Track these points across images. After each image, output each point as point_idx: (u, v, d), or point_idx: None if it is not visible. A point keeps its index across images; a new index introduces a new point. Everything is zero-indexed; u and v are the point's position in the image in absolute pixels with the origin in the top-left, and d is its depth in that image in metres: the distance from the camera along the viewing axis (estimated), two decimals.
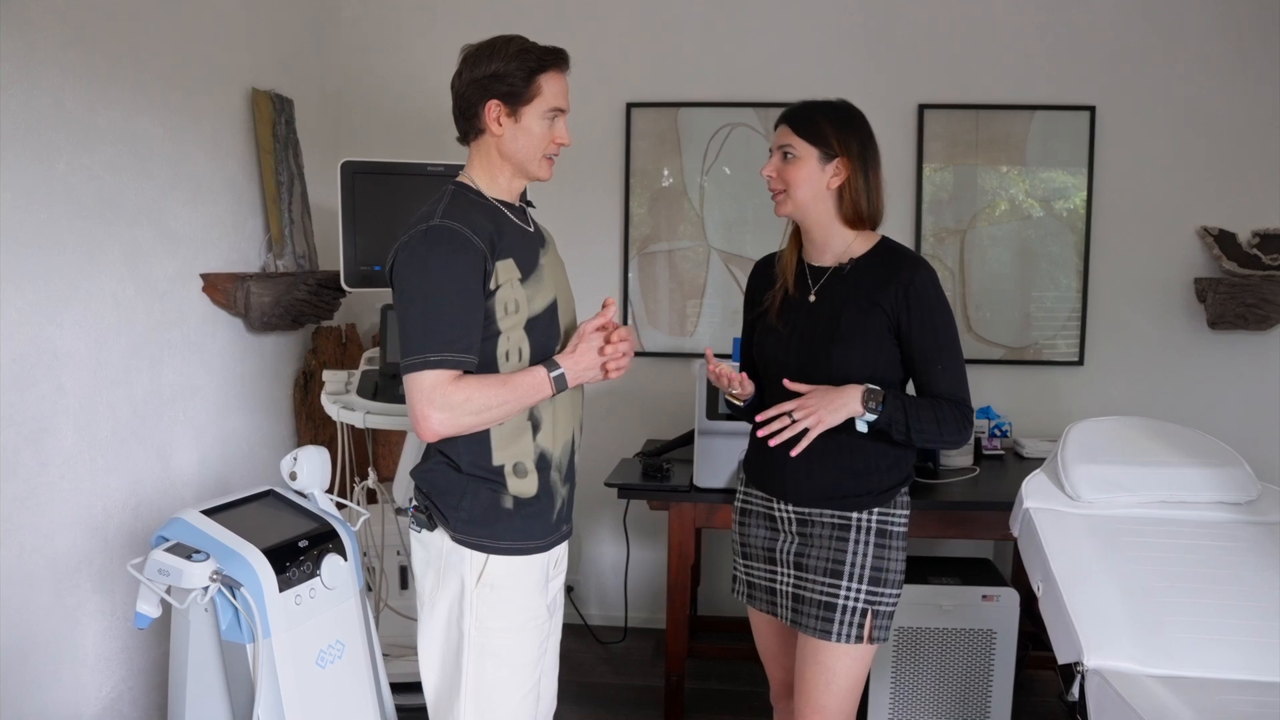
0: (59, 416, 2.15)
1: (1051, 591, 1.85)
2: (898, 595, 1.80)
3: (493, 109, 1.61)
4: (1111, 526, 1.99)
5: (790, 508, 1.82)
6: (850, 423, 1.73)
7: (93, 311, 2.24)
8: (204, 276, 2.65)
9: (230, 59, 2.79)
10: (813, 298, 1.79)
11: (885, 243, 1.81)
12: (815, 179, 1.74)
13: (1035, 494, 2.08)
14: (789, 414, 1.69)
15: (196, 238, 2.63)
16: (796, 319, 1.81)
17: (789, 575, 1.83)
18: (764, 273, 1.94)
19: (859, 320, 1.73)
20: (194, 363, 2.62)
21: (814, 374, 1.75)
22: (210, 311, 2.70)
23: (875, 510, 1.78)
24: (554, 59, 1.63)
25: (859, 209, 1.76)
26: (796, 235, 1.86)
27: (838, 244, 1.79)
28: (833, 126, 1.74)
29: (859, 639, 1.75)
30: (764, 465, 1.87)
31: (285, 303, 2.83)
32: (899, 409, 1.71)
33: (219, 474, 2.73)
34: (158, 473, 2.47)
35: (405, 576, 2.93)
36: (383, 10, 3.45)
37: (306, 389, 3.15)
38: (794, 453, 1.70)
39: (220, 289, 2.68)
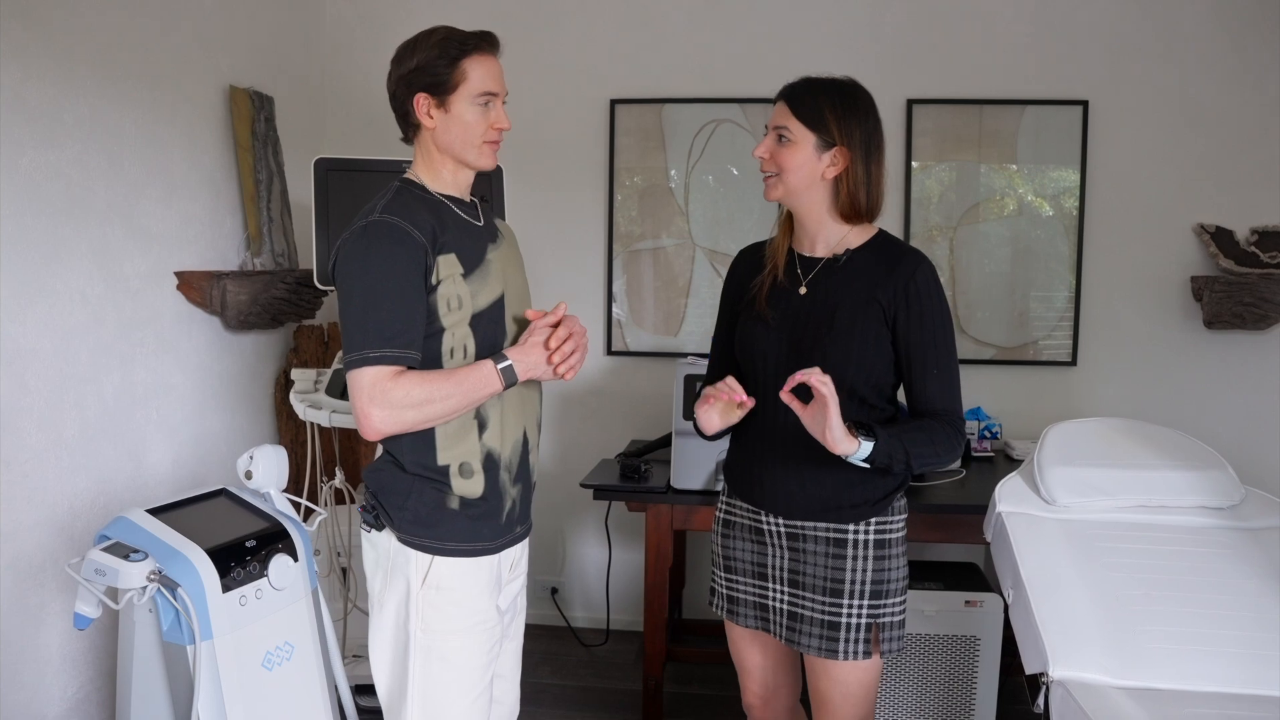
0: (22, 415, 2.13)
1: (1021, 599, 1.80)
2: (903, 601, 1.68)
3: (421, 102, 1.58)
4: (1087, 531, 1.93)
5: (780, 521, 1.69)
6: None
7: (59, 309, 2.22)
8: (178, 274, 2.63)
9: (207, 56, 2.77)
10: (803, 290, 1.66)
11: (883, 236, 1.68)
12: (810, 166, 1.60)
13: (1009, 497, 2.03)
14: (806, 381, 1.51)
15: (171, 235, 2.61)
16: (785, 311, 1.67)
17: (782, 592, 1.70)
18: (748, 261, 1.78)
19: (855, 317, 1.60)
20: (168, 361, 2.60)
21: None
22: (185, 310, 2.67)
23: (872, 521, 1.65)
24: (477, 42, 1.58)
25: (856, 203, 1.61)
26: (789, 222, 1.72)
27: (831, 235, 1.66)
28: (835, 111, 1.59)
29: (866, 654, 1.64)
30: (747, 475, 1.73)
31: (263, 301, 2.81)
32: (894, 437, 1.55)
33: (194, 474, 2.71)
34: (129, 472, 2.45)
35: None
36: (366, 8, 3.43)
37: (287, 388, 3.12)
38: (785, 395, 1.53)
39: (195, 287, 2.66)
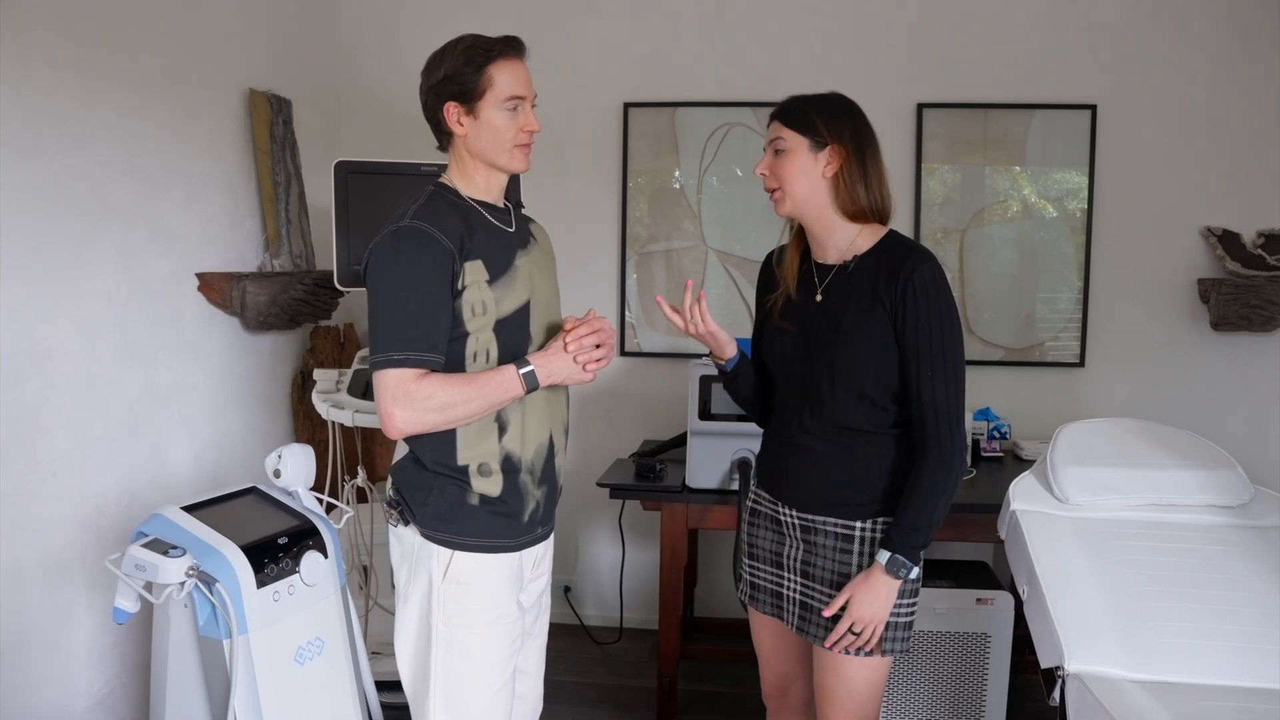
0: (50, 414, 2.16)
1: (1036, 595, 1.84)
2: (912, 603, 1.69)
3: (451, 111, 1.61)
4: (1099, 529, 1.97)
5: (794, 513, 1.74)
6: (852, 425, 1.68)
7: (85, 310, 2.26)
8: (199, 275, 2.67)
9: (227, 60, 2.81)
10: (819, 297, 1.70)
11: (892, 237, 1.70)
12: (809, 170, 1.65)
13: (1023, 496, 2.06)
14: (851, 630, 1.64)
15: (192, 237, 2.64)
16: (801, 319, 1.73)
17: (796, 582, 1.76)
18: (773, 268, 1.84)
19: (861, 320, 1.64)
20: (189, 361, 2.64)
21: (817, 378, 1.68)
22: (206, 310, 2.71)
23: (879, 520, 1.68)
24: (502, 48, 1.61)
25: (856, 199, 1.65)
26: (800, 234, 1.76)
27: (841, 240, 1.69)
28: (821, 115, 1.66)
29: (868, 652, 1.67)
30: (769, 468, 1.80)
31: (281, 302, 2.85)
32: (911, 531, 1.61)
33: (214, 473, 2.75)
34: (152, 471, 2.49)
35: None
36: (381, 11, 3.47)
37: (304, 388, 3.16)
38: (868, 650, 1.66)
39: (216, 288, 2.70)
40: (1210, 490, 2.03)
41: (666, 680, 2.78)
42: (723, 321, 3.32)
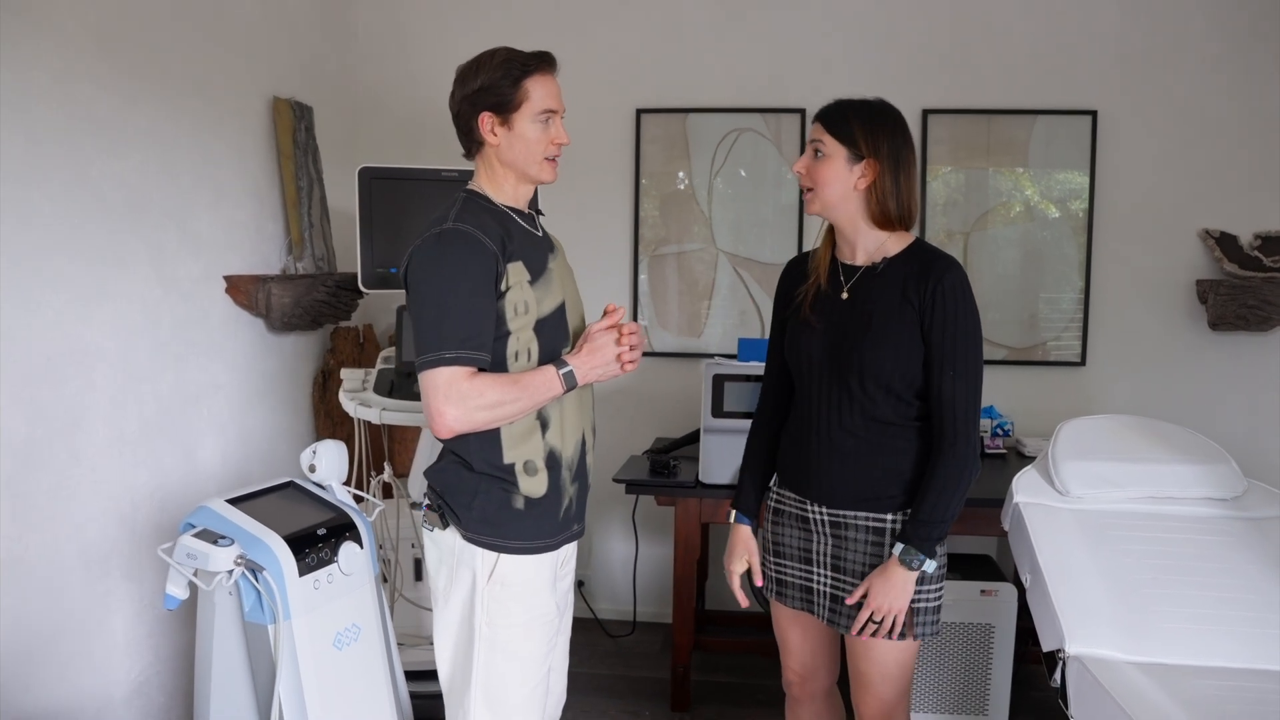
0: (90, 412, 2.25)
1: (1038, 582, 1.92)
2: (939, 589, 1.77)
3: (485, 121, 1.67)
4: (1099, 521, 2.05)
5: (823, 510, 1.80)
6: (880, 419, 1.74)
7: (121, 311, 2.34)
8: (227, 278, 2.75)
9: (252, 68, 2.89)
10: (845, 295, 1.77)
11: (920, 244, 1.78)
12: (842, 179, 1.72)
13: (1025, 489, 2.15)
14: (871, 619, 1.72)
15: (219, 240, 2.73)
16: (829, 315, 1.79)
17: (826, 576, 1.82)
18: (796, 271, 1.91)
19: (890, 319, 1.71)
20: (217, 361, 2.72)
21: (844, 372, 1.74)
22: (232, 312, 2.80)
23: (908, 511, 1.75)
24: (538, 63, 1.67)
25: (887, 211, 1.72)
26: (831, 233, 1.84)
27: (869, 243, 1.77)
28: (863, 127, 1.71)
29: (901, 636, 1.75)
30: (794, 467, 1.85)
31: (305, 304, 2.93)
32: (925, 524, 1.69)
33: (240, 469, 2.83)
34: (183, 467, 2.57)
35: (419, 568, 3.02)
36: (397, 20, 3.55)
37: (325, 387, 3.24)
38: (893, 637, 1.73)
39: (242, 290, 2.78)
40: (1206, 484, 2.11)
41: (680, 671, 2.87)
42: (731, 321, 3.46)
